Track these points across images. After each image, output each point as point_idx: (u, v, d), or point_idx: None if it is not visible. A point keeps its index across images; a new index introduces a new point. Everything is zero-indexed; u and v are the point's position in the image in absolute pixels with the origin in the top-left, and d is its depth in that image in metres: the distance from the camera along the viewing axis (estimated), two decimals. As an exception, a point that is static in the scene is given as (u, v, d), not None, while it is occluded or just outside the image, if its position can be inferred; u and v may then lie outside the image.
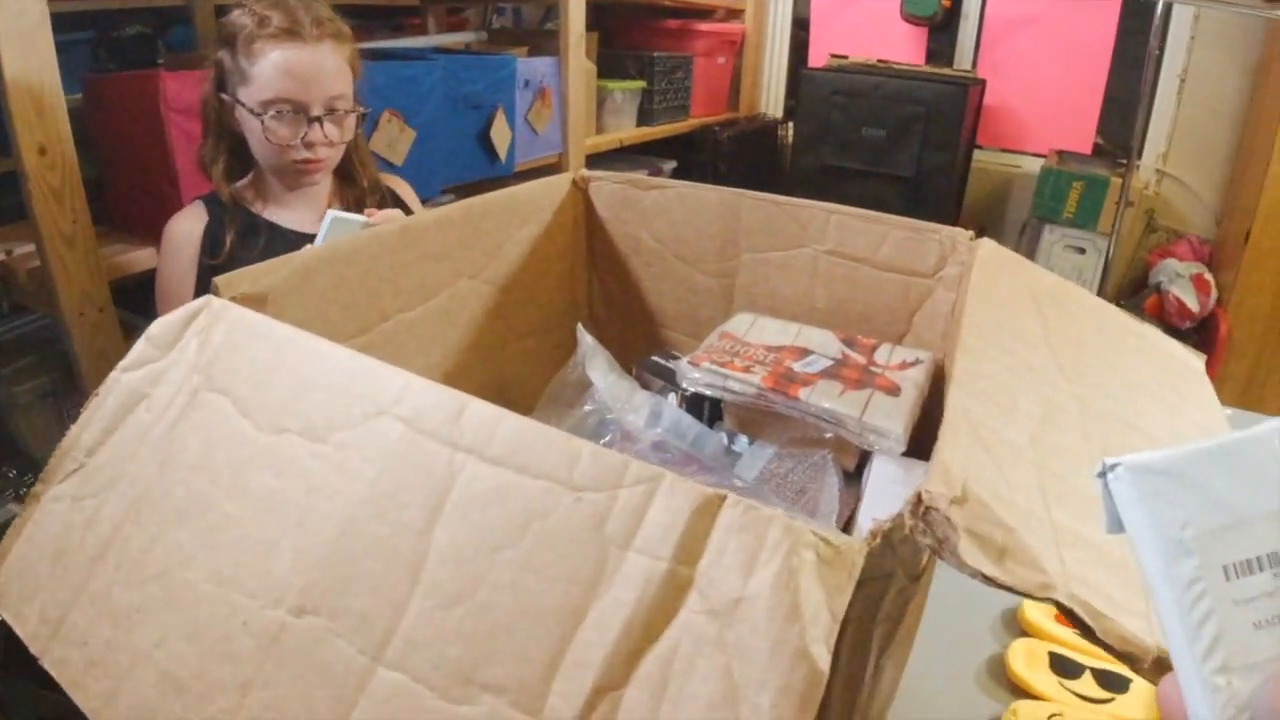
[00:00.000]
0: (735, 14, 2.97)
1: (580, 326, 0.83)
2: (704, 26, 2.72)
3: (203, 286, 0.79)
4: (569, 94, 2.11)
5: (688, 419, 0.78)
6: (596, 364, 0.79)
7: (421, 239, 0.74)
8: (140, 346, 0.54)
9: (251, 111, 1.14)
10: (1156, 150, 2.60)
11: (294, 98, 1.14)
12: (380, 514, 0.40)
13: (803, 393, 0.71)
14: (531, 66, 2.00)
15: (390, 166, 1.61)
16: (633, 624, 0.34)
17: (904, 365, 0.76)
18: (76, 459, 0.51)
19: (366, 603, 0.38)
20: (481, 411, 0.41)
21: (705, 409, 0.80)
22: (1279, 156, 2.11)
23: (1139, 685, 0.74)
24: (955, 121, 2.32)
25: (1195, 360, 0.69)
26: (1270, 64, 2.32)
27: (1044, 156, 2.65)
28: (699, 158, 2.70)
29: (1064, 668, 0.76)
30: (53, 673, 0.44)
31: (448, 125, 1.78)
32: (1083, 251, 2.45)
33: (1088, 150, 2.69)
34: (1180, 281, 2.39)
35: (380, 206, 1.29)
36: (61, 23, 1.20)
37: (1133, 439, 0.52)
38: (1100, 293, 2.37)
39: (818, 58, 3.02)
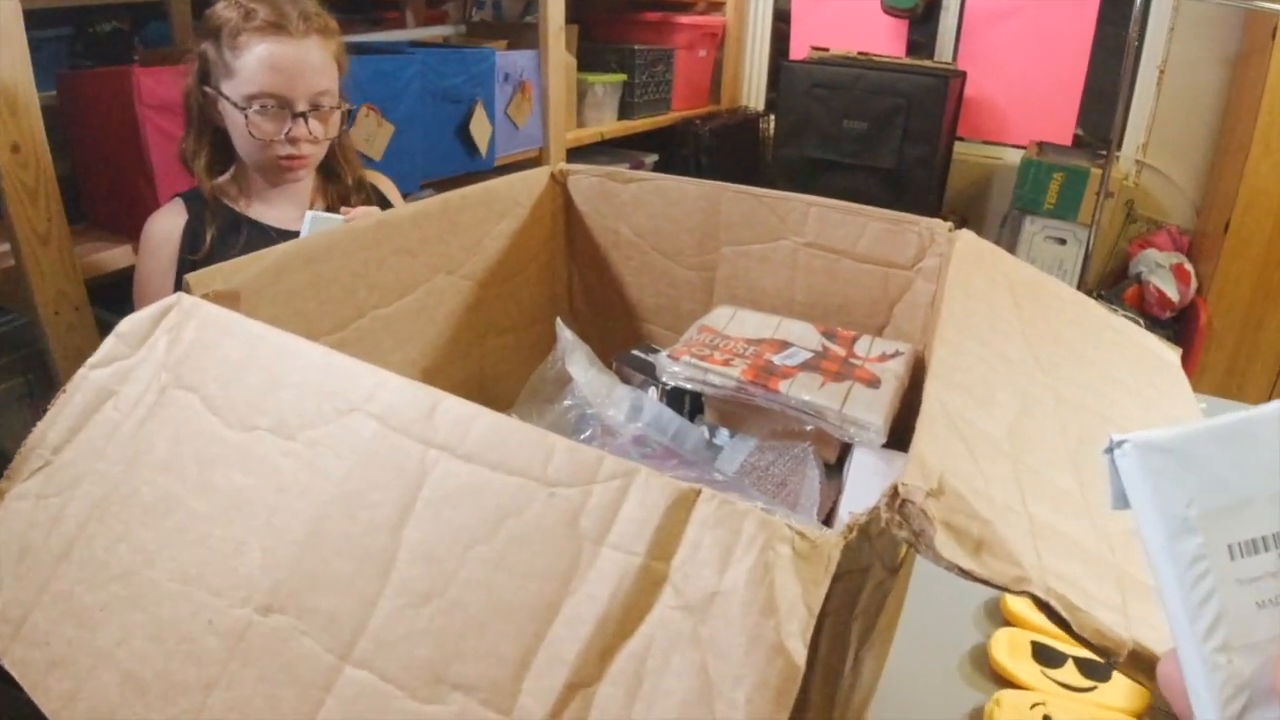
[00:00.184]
0: (716, 7, 2.96)
1: (559, 321, 0.82)
2: (685, 19, 2.71)
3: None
4: (549, 87, 2.10)
5: (668, 413, 0.77)
6: (576, 359, 0.79)
7: (397, 234, 0.73)
8: (109, 343, 0.53)
9: (235, 105, 1.12)
10: (1136, 141, 2.62)
11: (279, 93, 1.12)
12: (350, 512, 0.39)
13: (783, 385, 0.71)
14: (511, 60, 1.99)
15: (369, 161, 1.60)
16: (606, 620, 0.33)
17: (884, 357, 0.76)
18: (42, 456, 0.50)
19: (335, 601, 0.38)
20: (455, 408, 0.41)
21: (686, 403, 0.80)
22: (1258, 146, 2.12)
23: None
24: (936, 113, 2.33)
25: (1170, 354, 0.70)
26: (1249, 54, 2.33)
27: (1024, 148, 2.66)
28: (680, 151, 2.69)
29: (1047, 657, 0.76)
30: (14, 674, 0.43)
31: (426, 119, 1.76)
32: (1063, 242, 2.46)
33: (1068, 141, 2.71)
34: (1160, 272, 2.40)
35: (365, 203, 1.28)
36: (37, 19, 1.18)
37: (1107, 432, 0.52)
38: (1081, 283, 2.38)
39: (799, 50, 3.01)
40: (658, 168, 2.61)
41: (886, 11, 2.84)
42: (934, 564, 0.32)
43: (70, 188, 1.34)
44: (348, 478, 0.41)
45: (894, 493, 0.33)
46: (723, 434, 0.79)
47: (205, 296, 0.56)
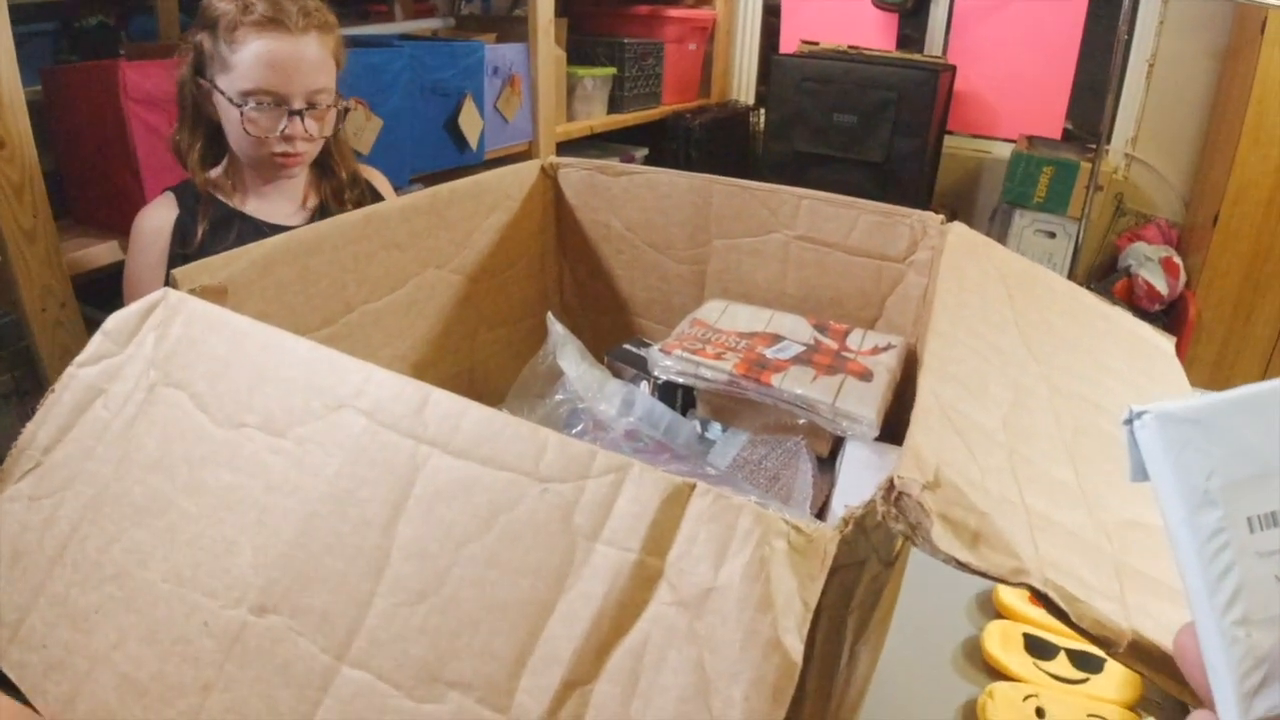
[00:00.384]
0: (706, 0, 2.95)
1: (550, 315, 0.82)
2: (674, 12, 2.70)
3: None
4: (538, 81, 2.09)
5: (660, 407, 0.77)
6: (567, 353, 0.79)
7: (386, 228, 0.73)
8: (97, 341, 0.53)
9: (230, 100, 1.11)
10: (1126, 135, 2.62)
11: (275, 89, 1.10)
12: (341, 510, 0.39)
13: (775, 379, 0.70)
14: (500, 53, 1.98)
15: (362, 156, 1.58)
16: (602, 617, 0.33)
17: (876, 350, 0.76)
18: (33, 457, 0.50)
19: (328, 601, 0.37)
20: (445, 403, 0.40)
21: (678, 397, 0.80)
22: (1247, 140, 2.13)
23: (1113, 665, 0.74)
24: (926, 107, 2.32)
25: (1165, 342, 0.70)
26: (1238, 49, 2.34)
27: (1014, 142, 2.66)
28: (670, 145, 2.68)
29: (1039, 649, 0.76)
30: (11, 676, 0.43)
31: (415, 113, 1.75)
32: (1053, 236, 2.46)
33: (1057, 135, 2.71)
34: (1149, 265, 2.41)
35: (359, 200, 1.26)
36: (21, 14, 1.16)
37: (1102, 422, 0.52)
38: (1070, 277, 2.38)
39: (789, 44, 3.01)
40: (647, 161, 2.60)
41: (876, 5, 2.84)
42: (931, 557, 0.32)
43: (56, 184, 1.33)
44: (338, 475, 0.40)
45: (890, 486, 0.33)
46: (715, 428, 0.79)
47: (192, 291, 0.55)
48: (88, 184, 1.44)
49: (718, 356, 0.73)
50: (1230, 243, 2.23)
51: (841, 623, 0.36)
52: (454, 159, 1.89)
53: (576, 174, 0.90)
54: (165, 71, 1.28)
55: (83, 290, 1.30)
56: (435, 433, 0.39)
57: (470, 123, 1.88)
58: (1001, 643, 0.76)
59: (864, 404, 0.68)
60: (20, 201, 1.17)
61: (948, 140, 2.69)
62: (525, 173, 0.89)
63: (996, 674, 0.75)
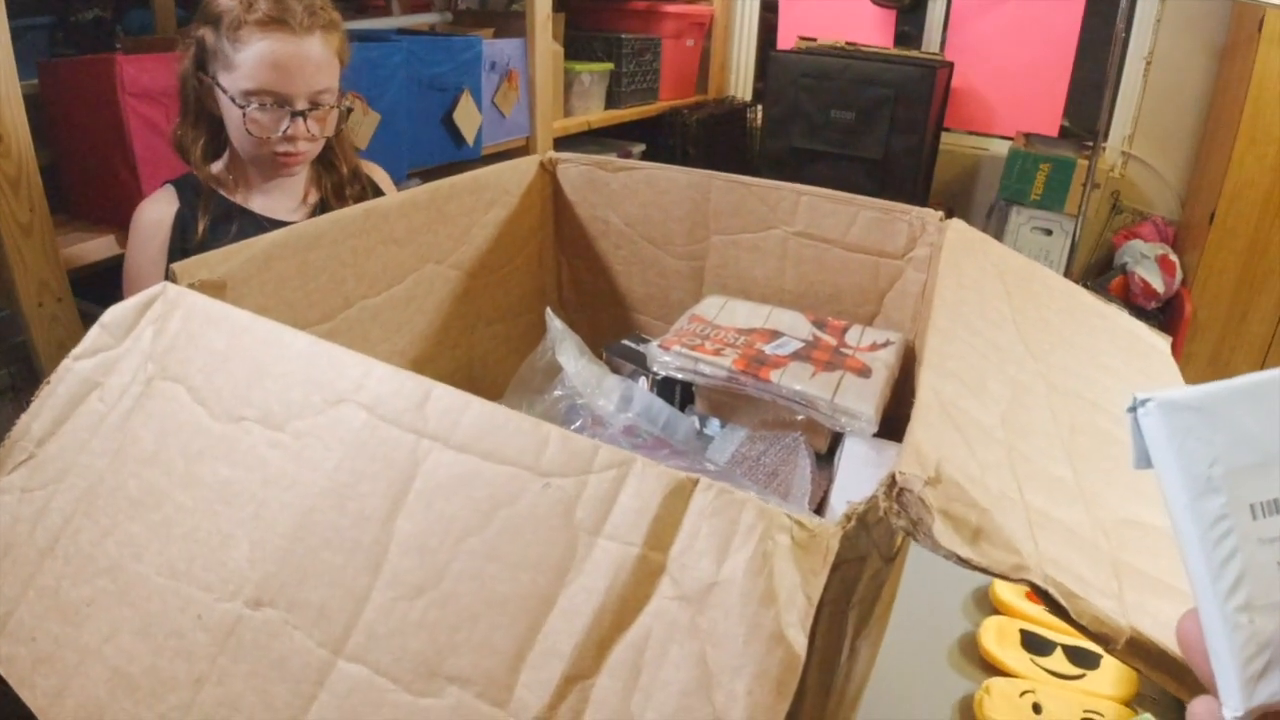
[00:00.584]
0: (703, -4, 2.95)
1: (549, 311, 0.81)
2: (672, 8, 2.70)
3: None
4: (536, 76, 2.08)
5: (659, 403, 0.77)
6: (566, 348, 0.78)
7: (385, 223, 0.73)
8: (94, 334, 0.52)
9: (232, 100, 1.10)
10: (1122, 132, 2.62)
11: (278, 90, 1.09)
12: (340, 504, 0.39)
13: (774, 375, 0.70)
14: (497, 48, 1.97)
15: (363, 152, 1.58)
16: (603, 612, 0.33)
17: (874, 347, 0.76)
18: (26, 449, 0.50)
19: (326, 595, 0.37)
20: (446, 397, 0.40)
21: (676, 393, 0.80)
22: (1243, 138, 2.13)
23: (1110, 661, 0.74)
24: (923, 104, 2.32)
25: (1160, 341, 0.70)
26: (1235, 47, 2.34)
27: (1011, 139, 2.66)
28: (667, 141, 2.68)
29: (1036, 645, 0.76)
30: (0, 670, 0.43)
31: (412, 108, 1.75)
32: (1049, 233, 2.46)
33: (1054, 133, 2.71)
34: (1145, 263, 2.41)
35: (360, 196, 1.25)
36: (17, 7, 1.15)
37: (1099, 420, 0.52)
38: (1067, 274, 2.39)
39: (786, 40, 3.00)
40: (644, 157, 2.60)
41: (874, 2, 2.83)
42: (931, 553, 0.32)
43: (52, 178, 1.32)
44: (337, 469, 0.40)
45: (892, 482, 0.33)
46: (713, 424, 0.78)
47: (191, 286, 0.55)
48: (84, 178, 1.43)
49: (716, 352, 0.73)
50: (1226, 241, 2.24)
51: (842, 618, 0.36)
52: (451, 154, 1.88)
53: (575, 169, 0.90)
54: (162, 65, 1.27)
55: (79, 285, 1.29)
56: (436, 427, 0.39)
57: (467, 118, 1.87)
58: (998, 639, 0.76)
59: (862, 400, 0.68)
60: (16, 195, 1.17)
61: (945, 137, 2.69)
62: (524, 168, 0.88)
63: (993, 670, 0.75)
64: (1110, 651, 0.31)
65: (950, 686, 0.74)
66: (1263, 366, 2.34)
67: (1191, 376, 0.63)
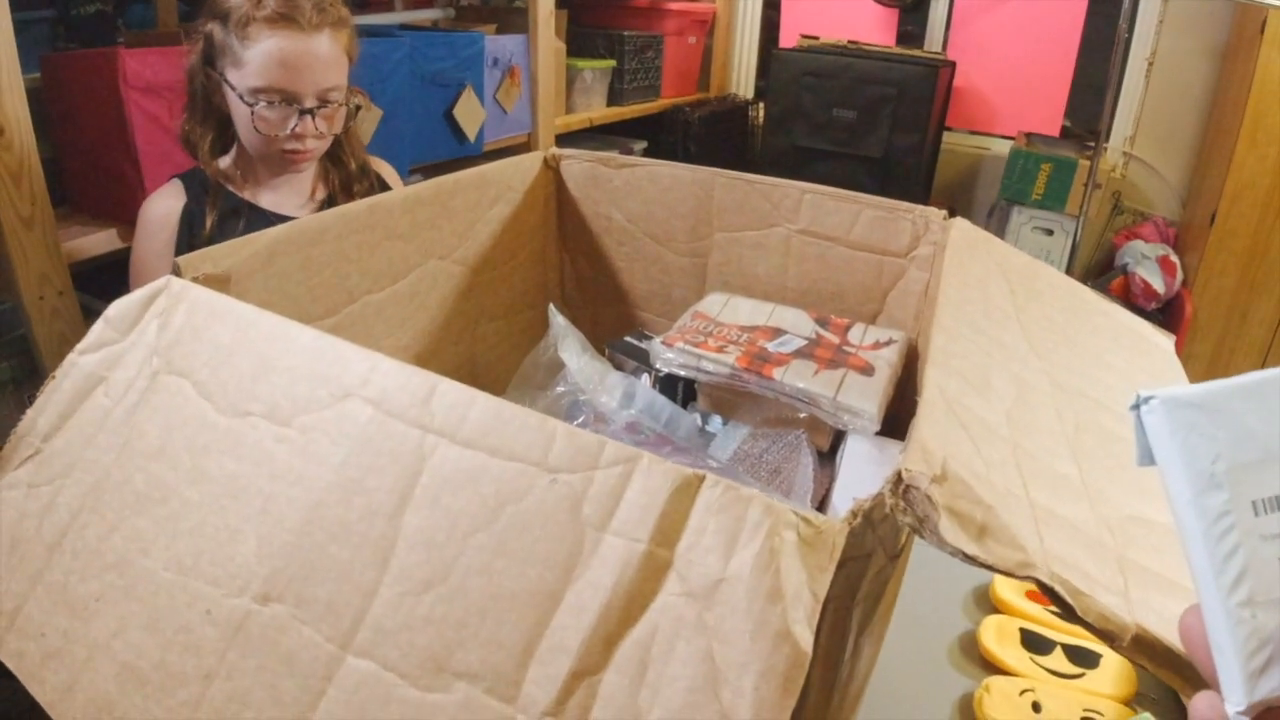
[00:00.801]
0: (705, -7, 2.95)
1: (552, 307, 0.82)
2: (674, 5, 2.70)
3: None
4: (538, 72, 2.08)
5: (661, 400, 0.77)
6: (569, 345, 0.78)
7: (389, 218, 0.73)
8: (98, 328, 0.52)
9: (240, 98, 1.09)
10: (1124, 133, 2.62)
11: (286, 88, 1.08)
12: (347, 499, 0.39)
13: (777, 373, 0.70)
14: (500, 44, 1.97)
15: (371, 148, 1.57)
16: (610, 608, 0.33)
17: (877, 345, 0.76)
18: (32, 444, 0.50)
19: (334, 590, 0.37)
20: (452, 393, 0.40)
21: (679, 390, 0.80)
22: (1245, 140, 2.13)
23: (1109, 660, 0.75)
24: (925, 103, 2.32)
25: (1164, 340, 0.70)
26: (1237, 48, 2.34)
27: (1013, 138, 2.66)
28: (669, 138, 2.68)
29: (1035, 644, 0.76)
30: (9, 665, 0.43)
31: (415, 104, 1.74)
32: (1050, 233, 2.47)
33: (1056, 133, 2.71)
34: (1146, 263, 2.41)
35: (368, 192, 1.25)
36: (19, 1, 1.15)
37: (1103, 418, 0.52)
38: (1067, 274, 2.38)
39: (788, 38, 3.00)
40: (646, 155, 2.59)
41: (877, 0, 2.83)
42: (934, 551, 0.32)
43: (54, 171, 1.32)
44: (344, 464, 0.40)
45: (898, 478, 0.33)
46: (715, 421, 0.79)
47: (195, 280, 0.55)
48: (86, 172, 1.43)
49: (719, 349, 0.73)
50: (1227, 242, 2.24)
51: (847, 615, 0.36)
52: (453, 150, 1.88)
53: (578, 166, 0.90)
54: (165, 59, 1.27)
55: (81, 279, 1.29)
56: (443, 422, 0.39)
57: (469, 114, 1.87)
58: (998, 637, 0.77)
59: (865, 398, 0.68)
60: (18, 189, 1.16)
61: (946, 136, 2.69)
62: (527, 164, 0.88)
63: (993, 668, 0.75)
64: (1116, 648, 0.31)
65: (950, 685, 0.74)
66: (1263, 367, 2.34)
67: (1192, 377, 0.63)
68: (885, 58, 2.45)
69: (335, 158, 1.25)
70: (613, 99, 2.50)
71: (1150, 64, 2.54)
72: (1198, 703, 0.28)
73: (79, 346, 0.52)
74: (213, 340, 0.48)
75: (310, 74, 1.09)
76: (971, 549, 0.31)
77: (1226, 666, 0.26)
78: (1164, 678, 0.32)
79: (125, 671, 0.40)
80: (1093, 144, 2.32)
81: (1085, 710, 0.70)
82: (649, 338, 0.82)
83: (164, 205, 1.15)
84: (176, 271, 0.55)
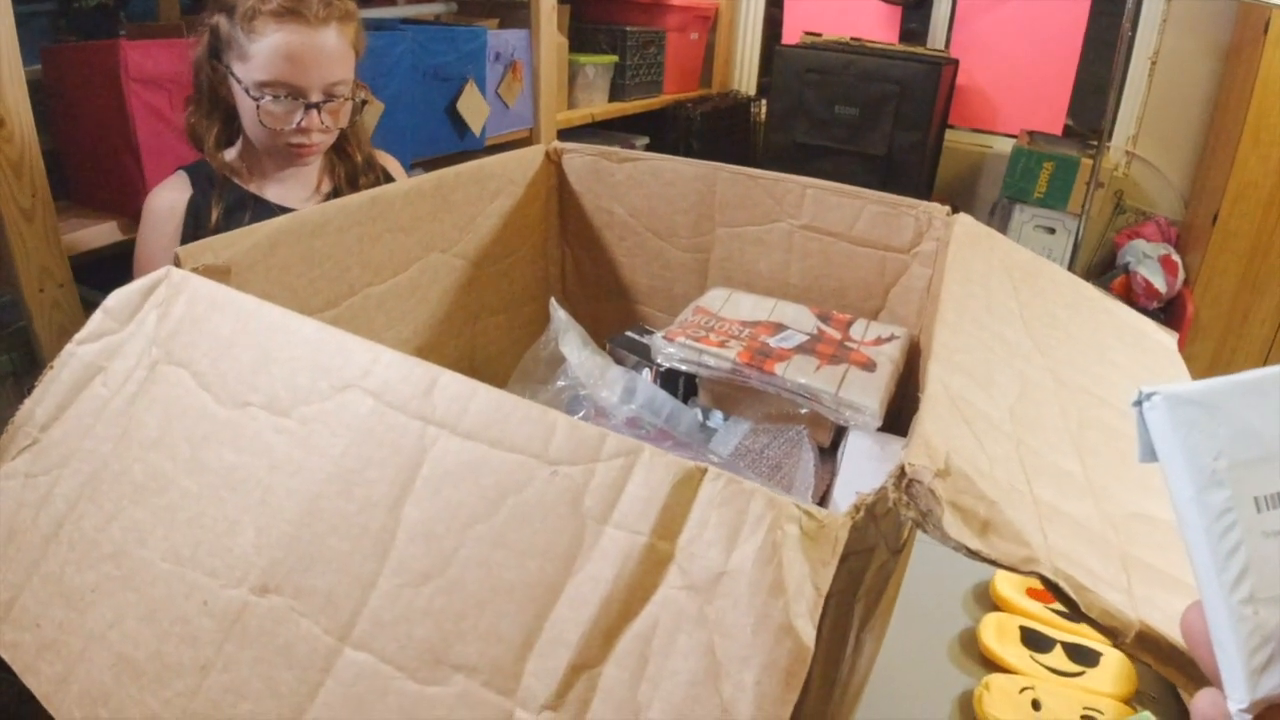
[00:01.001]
0: (708, -11, 2.94)
1: (553, 301, 0.81)
2: (677, 1, 2.69)
3: None
4: (540, 67, 2.08)
5: (662, 395, 0.77)
6: (569, 339, 0.78)
7: (390, 211, 0.72)
8: (97, 319, 0.52)
9: (246, 91, 1.09)
10: (1126, 132, 2.62)
11: (292, 82, 1.08)
12: (347, 490, 0.39)
13: (778, 368, 0.70)
14: (502, 39, 1.97)
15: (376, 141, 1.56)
16: (611, 601, 0.33)
17: (879, 341, 0.75)
18: (30, 434, 0.49)
19: (332, 581, 0.37)
20: (454, 385, 0.40)
21: (680, 385, 0.79)
22: (1248, 139, 2.13)
23: (1109, 659, 0.74)
24: (928, 101, 2.32)
25: (1167, 338, 0.69)
26: (1240, 47, 2.33)
27: (1015, 137, 2.66)
28: (671, 135, 2.67)
29: (1035, 642, 0.76)
30: (4, 656, 0.43)
31: (416, 98, 1.74)
32: (1052, 231, 2.46)
33: (1058, 131, 2.71)
34: (1148, 262, 2.41)
35: (374, 185, 1.24)
36: (21, -6, 1.15)
37: (1106, 415, 0.52)
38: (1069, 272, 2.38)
39: (791, 35, 3.00)
40: (648, 151, 2.58)
41: (880, -3, 2.83)
42: (935, 547, 0.31)
43: (55, 164, 1.32)
44: (344, 455, 0.40)
45: (901, 473, 0.32)
46: (716, 416, 0.78)
47: (195, 270, 0.55)
48: (87, 164, 1.42)
49: (721, 344, 0.73)
50: (1229, 242, 2.23)
51: (849, 610, 0.35)
52: (455, 144, 1.88)
53: (580, 160, 0.90)
54: (166, 52, 1.27)
55: (81, 271, 1.29)
56: (444, 414, 0.39)
57: (472, 108, 1.87)
58: (998, 635, 0.76)
59: (867, 394, 0.68)
60: (19, 180, 1.16)
61: (949, 134, 2.69)
62: (529, 158, 0.88)
63: (993, 666, 0.75)
64: (1119, 645, 0.31)
65: (950, 683, 0.74)
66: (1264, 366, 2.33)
67: (1193, 376, 0.63)
68: (888, 55, 2.44)
69: (341, 151, 1.24)
70: (615, 95, 2.49)
71: (1153, 63, 2.54)
72: (1200, 700, 0.27)
73: (77, 336, 0.52)
74: (213, 331, 0.48)
75: (316, 68, 1.09)
76: (975, 544, 0.31)
77: (1228, 663, 0.26)
78: (1167, 675, 0.31)
79: (121, 662, 0.39)
80: (1095, 143, 2.32)
81: (1085, 708, 0.69)
82: (650, 332, 0.82)
83: (169, 197, 1.15)
84: (177, 262, 0.55)
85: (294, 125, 1.10)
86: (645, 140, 2.63)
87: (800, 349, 0.73)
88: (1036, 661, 0.74)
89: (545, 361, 0.80)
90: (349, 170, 1.25)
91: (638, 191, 0.88)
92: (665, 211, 0.87)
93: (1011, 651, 0.75)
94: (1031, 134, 2.64)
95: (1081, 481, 0.42)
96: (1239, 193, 2.18)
